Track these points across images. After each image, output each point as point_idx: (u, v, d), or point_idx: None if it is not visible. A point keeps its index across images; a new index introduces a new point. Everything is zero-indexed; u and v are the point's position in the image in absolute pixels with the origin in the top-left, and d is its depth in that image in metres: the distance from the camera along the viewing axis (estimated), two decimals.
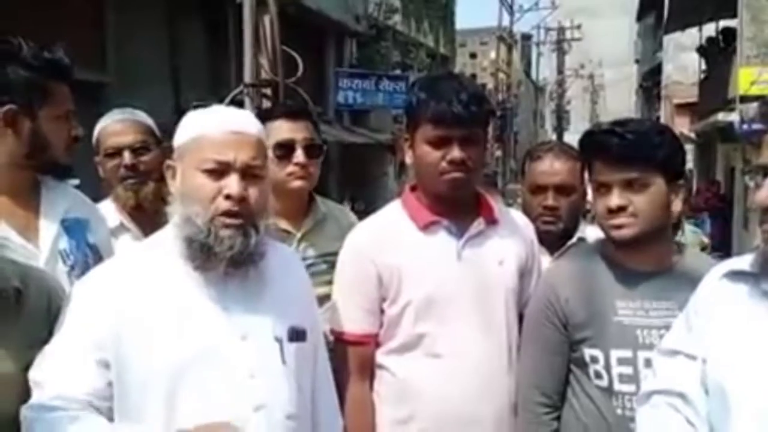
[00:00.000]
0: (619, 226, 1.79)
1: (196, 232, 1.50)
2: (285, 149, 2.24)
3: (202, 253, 1.51)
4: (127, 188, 2.43)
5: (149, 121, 2.57)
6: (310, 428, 1.68)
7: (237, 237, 1.51)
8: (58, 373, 1.45)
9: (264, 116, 2.49)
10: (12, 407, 1.45)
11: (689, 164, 21.96)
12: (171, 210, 1.58)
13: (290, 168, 2.24)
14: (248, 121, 1.61)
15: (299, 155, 2.23)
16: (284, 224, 2.26)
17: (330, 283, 2.08)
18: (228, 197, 1.51)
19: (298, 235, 2.28)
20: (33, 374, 1.47)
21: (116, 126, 2.49)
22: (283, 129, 2.27)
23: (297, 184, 2.25)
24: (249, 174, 1.53)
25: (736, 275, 1.48)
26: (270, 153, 2.25)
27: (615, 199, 1.78)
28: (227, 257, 1.51)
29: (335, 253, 2.08)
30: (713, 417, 1.44)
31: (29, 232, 1.83)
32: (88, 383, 1.46)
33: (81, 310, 1.51)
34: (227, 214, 1.51)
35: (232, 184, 1.51)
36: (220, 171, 1.51)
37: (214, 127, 1.55)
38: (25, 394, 1.47)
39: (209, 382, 1.47)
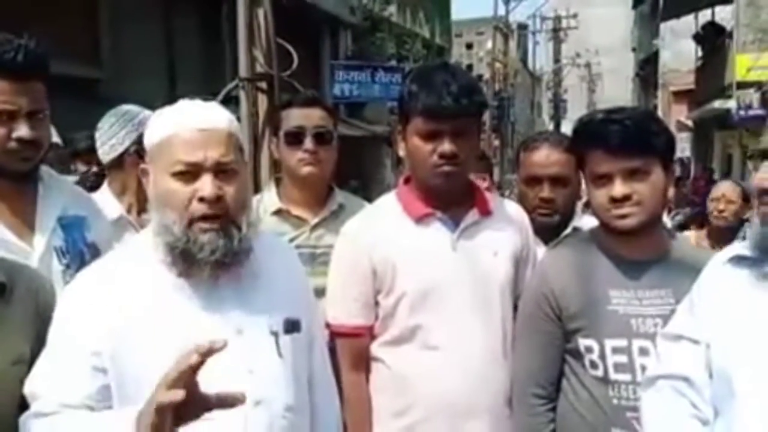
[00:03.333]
0: (623, 216, 1.77)
1: (175, 240, 1.46)
2: (295, 136, 2.31)
3: (183, 260, 1.47)
4: None
5: None
6: (309, 419, 1.67)
7: (218, 240, 1.45)
8: (52, 383, 1.43)
9: (279, 106, 2.57)
10: (2, 400, 1.44)
11: (687, 152, 22.01)
12: (148, 216, 1.54)
13: (300, 155, 2.29)
14: (216, 115, 1.53)
15: (308, 142, 2.30)
16: (299, 212, 2.33)
17: None
18: (202, 200, 1.45)
19: (312, 223, 2.33)
20: (27, 388, 1.45)
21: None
22: (294, 116, 2.35)
23: (306, 170, 2.31)
24: (222, 171, 1.47)
25: (739, 260, 1.48)
26: (282, 140, 2.33)
27: (619, 188, 1.76)
28: (211, 262, 1.46)
29: None
30: (718, 400, 1.44)
31: (24, 229, 1.82)
32: (84, 388, 1.44)
33: (70, 320, 1.48)
34: (204, 218, 1.46)
35: (206, 185, 1.44)
36: (191, 173, 1.45)
37: (181, 127, 1.47)
38: (16, 389, 1.45)
39: (208, 381, 1.46)
